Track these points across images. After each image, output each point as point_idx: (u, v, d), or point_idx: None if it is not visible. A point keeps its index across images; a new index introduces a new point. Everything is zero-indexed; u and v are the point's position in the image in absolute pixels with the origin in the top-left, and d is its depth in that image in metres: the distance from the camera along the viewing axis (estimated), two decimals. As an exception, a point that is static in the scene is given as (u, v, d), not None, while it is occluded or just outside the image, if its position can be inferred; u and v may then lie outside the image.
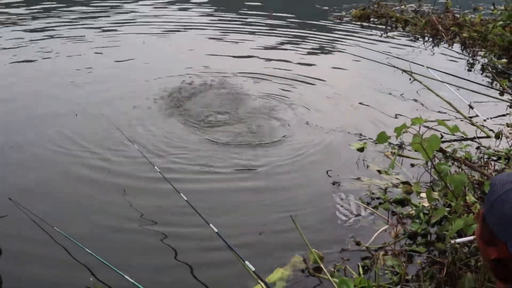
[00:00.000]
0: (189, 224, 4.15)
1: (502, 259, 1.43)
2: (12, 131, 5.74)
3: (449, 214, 3.93)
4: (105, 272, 3.48)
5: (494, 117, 6.35)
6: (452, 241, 3.30)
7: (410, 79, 6.62)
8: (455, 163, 4.57)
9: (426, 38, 10.01)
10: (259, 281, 3.37)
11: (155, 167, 4.53)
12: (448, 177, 4.03)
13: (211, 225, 3.71)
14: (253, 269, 3.32)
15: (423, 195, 4.81)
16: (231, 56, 8.47)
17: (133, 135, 5.59)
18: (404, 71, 6.56)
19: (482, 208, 1.51)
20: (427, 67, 6.84)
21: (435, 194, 4.11)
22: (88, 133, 5.73)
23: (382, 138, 4.24)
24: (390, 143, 5.64)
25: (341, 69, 8.16)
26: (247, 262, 3.37)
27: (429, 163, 4.40)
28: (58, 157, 5.23)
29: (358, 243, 4.13)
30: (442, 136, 5.58)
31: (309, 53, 8.86)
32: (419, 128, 3.87)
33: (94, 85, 7.07)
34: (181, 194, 4.07)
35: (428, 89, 6.40)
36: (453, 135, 5.45)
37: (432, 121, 4.27)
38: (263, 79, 7.51)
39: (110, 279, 3.47)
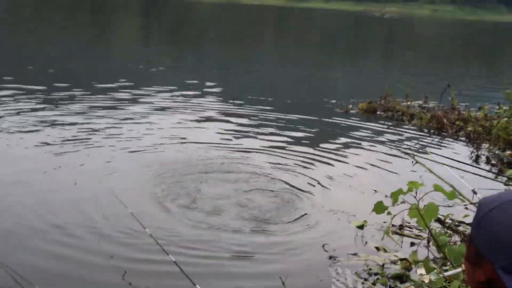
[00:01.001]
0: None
1: (490, 281, 1.33)
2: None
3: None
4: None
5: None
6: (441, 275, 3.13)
7: (412, 162, 6.58)
8: (455, 234, 4.43)
9: (432, 131, 10.08)
10: None
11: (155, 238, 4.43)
12: (448, 247, 3.89)
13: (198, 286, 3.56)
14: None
15: (423, 271, 4.63)
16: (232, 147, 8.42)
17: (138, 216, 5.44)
18: (406, 153, 6.54)
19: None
20: (431, 152, 6.81)
21: (433, 264, 3.94)
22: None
23: (379, 208, 4.16)
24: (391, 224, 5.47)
25: (344, 157, 8.07)
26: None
27: (428, 235, 4.26)
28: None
29: (352, 317, 3.93)
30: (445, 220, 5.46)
31: (311, 141, 8.84)
32: (416, 194, 3.79)
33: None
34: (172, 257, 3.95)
35: (431, 171, 6.34)
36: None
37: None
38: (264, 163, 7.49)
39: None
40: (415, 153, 6.57)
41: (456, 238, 4.48)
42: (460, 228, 4.53)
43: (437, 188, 3.73)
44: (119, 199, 5.23)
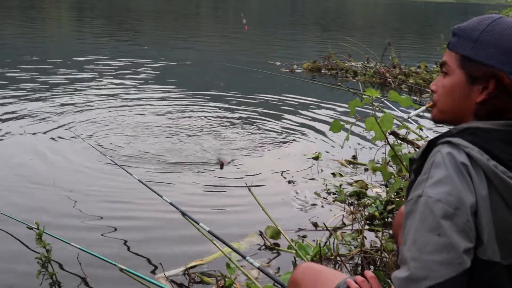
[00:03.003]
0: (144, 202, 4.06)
1: (503, 90, 1.43)
2: None
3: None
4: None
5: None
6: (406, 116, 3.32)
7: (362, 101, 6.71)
8: (409, 145, 4.61)
9: (375, 86, 10.34)
10: (214, 240, 3.23)
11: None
12: (403, 154, 4.05)
13: (164, 197, 3.59)
14: (208, 229, 3.19)
15: (379, 190, 4.81)
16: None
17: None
18: (355, 93, 6.66)
19: (452, 57, 1.52)
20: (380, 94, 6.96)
21: (391, 169, 4.11)
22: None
23: (336, 126, 4.22)
24: (348, 161, 5.58)
25: (297, 107, 8.15)
26: (201, 224, 3.24)
27: (383, 145, 4.42)
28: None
29: (315, 225, 4.05)
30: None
31: (263, 97, 8.89)
32: (373, 103, 3.92)
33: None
34: (134, 175, 3.97)
35: (379, 108, 6.50)
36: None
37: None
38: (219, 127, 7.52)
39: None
40: (362, 93, 6.71)
41: (411, 149, 4.67)
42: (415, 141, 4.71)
43: (393, 95, 3.85)
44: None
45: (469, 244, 1.32)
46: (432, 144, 1.47)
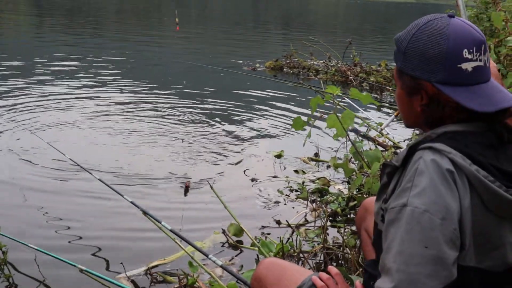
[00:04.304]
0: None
1: (432, 100, 1.43)
2: None
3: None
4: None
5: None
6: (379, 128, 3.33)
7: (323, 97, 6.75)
8: (369, 142, 4.66)
9: (337, 84, 10.42)
10: (176, 239, 3.20)
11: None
12: (364, 151, 4.09)
13: (125, 196, 3.53)
14: (170, 227, 3.15)
15: (341, 186, 4.84)
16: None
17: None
18: (317, 91, 6.70)
19: (395, 70, 1.53)
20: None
21: (352, 166, 4.14)
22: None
23: (298, 124, 4.24)
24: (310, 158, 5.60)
25: (257, 105, 8.19)
26: (163, 223, 3.20)
27: (345, 142, 4.46)
28: None
29: (278, 222, 4.05)
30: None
31: (225, 95, 8.88)
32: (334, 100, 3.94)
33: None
34: (95, 176, 3.89)
35: (340, 106, 6.56)
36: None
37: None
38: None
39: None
40: (324, 91, 6.75)
41: (371, 145, 4.71)
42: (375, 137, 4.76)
43: (354, 93, 3.89)
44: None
45: (456, 253, 1.31)
46: (412, 149, 1.43)
